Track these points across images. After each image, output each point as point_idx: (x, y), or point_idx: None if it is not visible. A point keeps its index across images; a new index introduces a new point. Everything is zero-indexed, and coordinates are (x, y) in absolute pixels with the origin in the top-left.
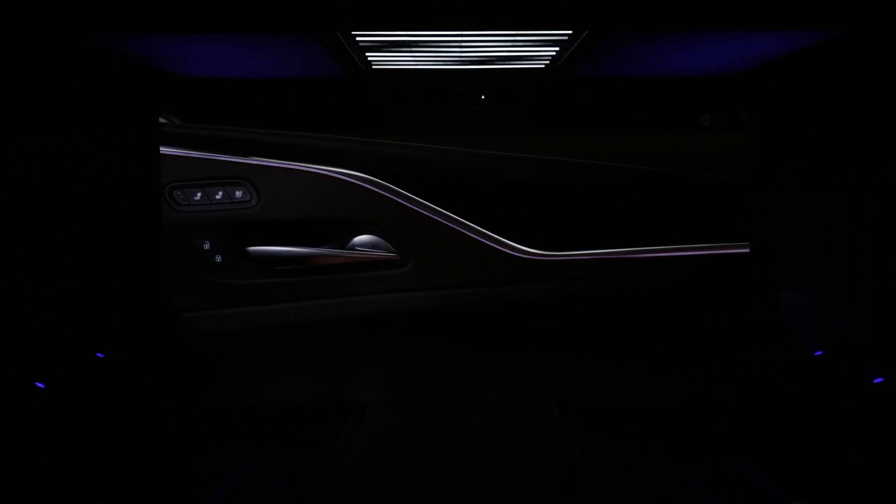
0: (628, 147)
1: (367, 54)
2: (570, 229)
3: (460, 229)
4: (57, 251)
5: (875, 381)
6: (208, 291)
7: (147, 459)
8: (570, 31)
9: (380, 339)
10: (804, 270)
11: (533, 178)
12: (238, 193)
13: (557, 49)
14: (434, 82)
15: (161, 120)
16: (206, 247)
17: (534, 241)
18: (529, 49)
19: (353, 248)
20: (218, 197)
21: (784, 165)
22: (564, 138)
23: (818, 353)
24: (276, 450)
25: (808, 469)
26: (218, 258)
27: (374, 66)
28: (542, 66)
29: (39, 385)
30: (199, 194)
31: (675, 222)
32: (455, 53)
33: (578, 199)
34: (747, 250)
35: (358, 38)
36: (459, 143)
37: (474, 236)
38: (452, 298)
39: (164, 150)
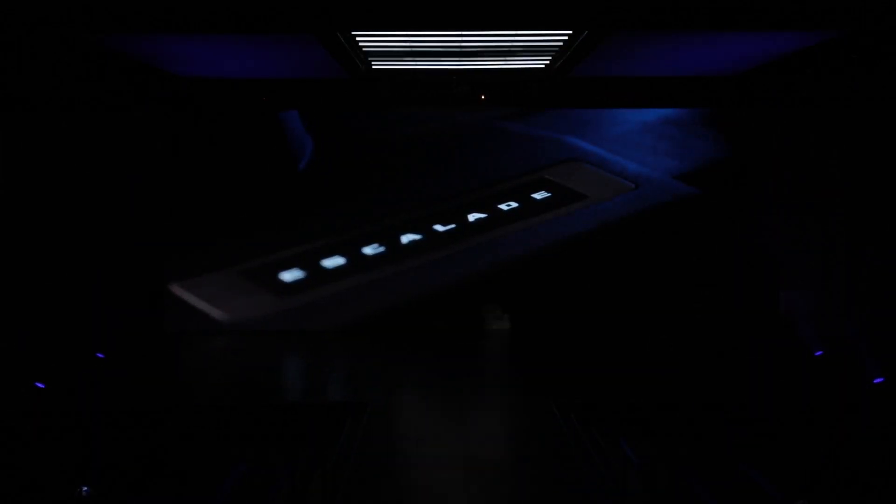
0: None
1: (367, 54)
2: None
3: None
4: (58, 251)
5: (875, 381)
6: None
7: (147, 459)
8: (570, 31)
9: None
10: (805, 271)
11: None
12: None
13: (557, 49)
14: (434, 82)
15: None
16: None
17: None
18: (529, 49)
19: None
20: None
21: (785, 165)
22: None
23: (818, 353)
24: (276, 450)
25: (808, 469)
26: None
27: (374, 66)
28: (542, 66)
29: (39, 385)
30: None
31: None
32: (455, 53)
33: None
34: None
35: (358, 39)
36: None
37: None
38: None
39: None
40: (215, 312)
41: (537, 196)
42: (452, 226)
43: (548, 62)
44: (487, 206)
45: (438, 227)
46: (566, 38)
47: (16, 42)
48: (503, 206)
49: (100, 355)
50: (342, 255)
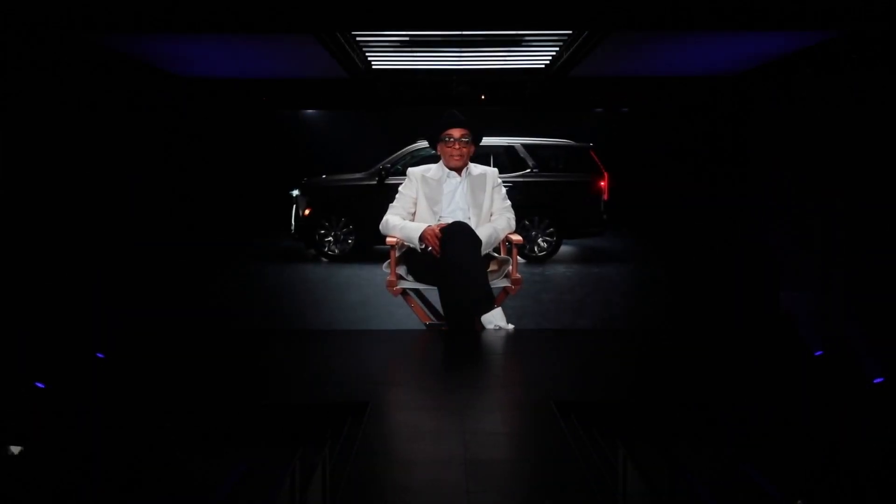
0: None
1: (367, 54)
2: None
3: None
4: (58, 251)
5: (875, 381)
6: None
7: (147, 459)
8: (570, 31)
9: None
10: (804, 271)
11: None
12: None
13: (557, 49)
14: (434, 82)
15: None
16: None
17: None
18: (529, 49)
19: None
20: None
21: (784, 166)
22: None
23: (818, 353)
24: (276, 450)
25: (808, 469)
26: None
27: (374, 66)
28: (542, 66)
29: (39, 385)
30: None
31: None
32: (455, 53)
33: None
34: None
35: (358, 38)
36: None
37: None
38: None
39: None
40: None
41: None
42: None
43: (547, 62)
44: None
45: None
46: (566, 38)
47: (15, 42)
48: None
49: (100, 355)
50: None
